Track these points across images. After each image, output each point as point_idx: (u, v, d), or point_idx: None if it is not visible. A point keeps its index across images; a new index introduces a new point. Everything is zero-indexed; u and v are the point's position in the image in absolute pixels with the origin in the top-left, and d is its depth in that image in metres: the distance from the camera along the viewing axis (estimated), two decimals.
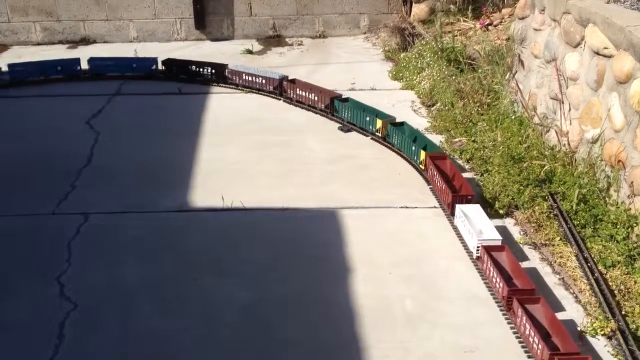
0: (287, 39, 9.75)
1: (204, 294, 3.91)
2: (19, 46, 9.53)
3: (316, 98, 6.65)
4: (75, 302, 3.82)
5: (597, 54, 4.66)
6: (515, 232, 4.51)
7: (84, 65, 7.92)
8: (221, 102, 7.17)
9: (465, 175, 5.14)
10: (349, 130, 6.28)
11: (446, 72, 7.00)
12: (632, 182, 4.15)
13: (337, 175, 5.39)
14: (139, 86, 7.66)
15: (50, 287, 3.95)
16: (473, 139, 5.69)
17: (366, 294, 3.87)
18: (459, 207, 4.41)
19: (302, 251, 4.34)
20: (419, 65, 7.61)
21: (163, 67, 7.87)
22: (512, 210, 4.74)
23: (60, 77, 7.84)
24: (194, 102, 7.17)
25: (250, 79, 7.30)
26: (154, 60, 7.90)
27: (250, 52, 9.09)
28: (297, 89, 6.88)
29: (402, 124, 5.88)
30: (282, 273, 4.10)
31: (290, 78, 7.19)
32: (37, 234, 4.56)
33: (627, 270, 3.87)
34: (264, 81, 7.17)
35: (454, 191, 4.66)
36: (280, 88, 7.09)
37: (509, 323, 3.59)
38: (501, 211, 4.71)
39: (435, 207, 4.86)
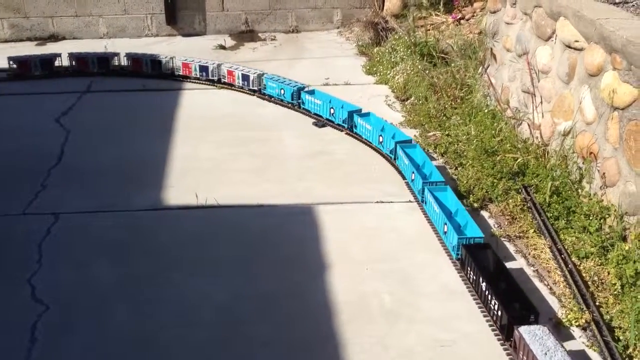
0: (260, 34, 9.69)
1: (179, 293, 3.86)
2: None
3: None
4: (47, 304, 3.74)
5: (568, 47, 4.70)
6: (490, 225, 4.53)
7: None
8: (194, 98, 7.09)
9: None
10: (323, 126, 6.26)
11: (419, 67, 7.01)
12: (604, 174, 4.19)
13: (312, 171, 5.36)
14: (110, 83, 7.54)
15: (21, 289, 3.87)
16: (447, 132, 5.71)
17: (343, 290, 3.86)
18: None
19: (279, 248, 4.31)
20: (392, 60, 7.61)
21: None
22: (487, 203, 4.76)
23: (29, 74, 7.69)
24: (167, 98, 7.08)
25: None
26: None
27: (223, 47, 9.01)
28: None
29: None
30: (258, 271, 4.07)
31: None
32: (6, 235, 4.46)
33: (600, 261, 3.91)
34: None
35: None
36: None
37: (485, 316, 3.60)
38: (475, 204, 4.73)
39: (410, 201, 4.87)
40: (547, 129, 5.01)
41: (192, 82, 7.49)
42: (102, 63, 7.66)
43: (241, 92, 7.17)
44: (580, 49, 4.55)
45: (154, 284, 3.94)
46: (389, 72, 7.41)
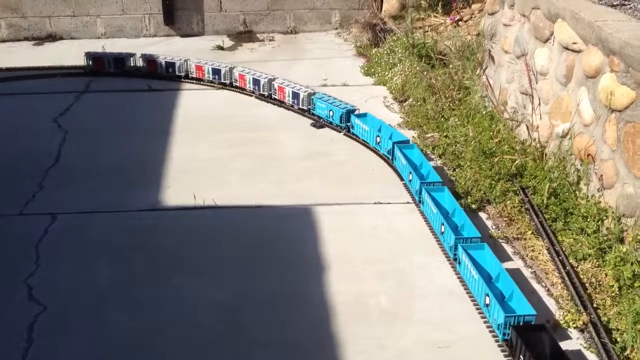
0: (258, 35, 9.68)
1: (177, 294, 3.85)
2: None
3: None
4: (44, 304, 3.74)
5: (566, 49, 4.71)
6: (488, 227, 4.54)
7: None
8: (192, 99, 7.09)
9: None
10: (321, 127, 6.26)
11: (417, 68, 7.02)
12: (601, 176, 4.20)
13: (311, 172, 5.36)
14: (108, 83, 7.53)
15: (18, 290, 3.86)
16: (445, 134, 5.72)
17: (341, 291, 3.86)
18: None
19: (277, 249, 4.31)
20: (390, 61, 7.62)
21: None
22: (484, 204, 4.77)
23: (27, 74, 7.68)
24: (165, 99, 7.08)
25: None
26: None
27: (221, 48, 9.01)
28: None
29: None
30: (256, 271, 4.07)
31: None
32: (3, 235, 4.45)
33: (597, 263, 3.92)
34: None
35: None
36: None
37: (482, 318, 3.61)
38: (473, 206, 4.73)
39: (408, 202, 4.87)
40: (545, 130, 5.02)
41: (191, 82, 7.49)
42: (169, 67, 7.57)
43: (240, 92, 7.17)
44: (578, 51, 4.55)
45: (152, 284, 3.94)
46: (387, 73, 7.41)
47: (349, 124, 6.01)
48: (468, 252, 3.81)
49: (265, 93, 6.98)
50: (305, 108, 6.52)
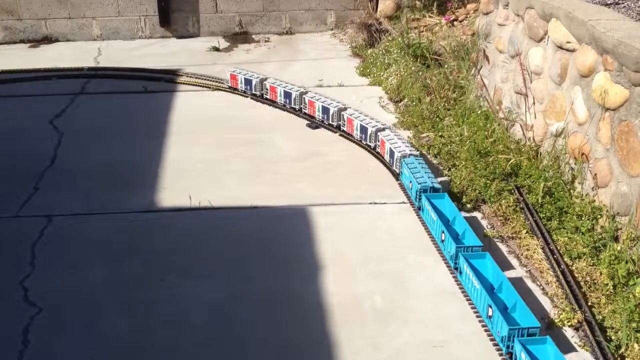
0: (253, 36, 9.69)
1: (172, 295, 3.86)
2: None
3: None
4: (40, 306, 3.74)
5: (560, 48, 4.72)
6: (483, 226, 4.55)
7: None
8: (188, 100, 7.08)
9: None
10: (317, 127, 6.26)
11: (413, 68, 7.03)
12: (595, 174, 4.21)
13: (306, 173, 5.37)
14: (104, 85, 7.52)
15: (13, 292, 3.86)
16: (440, 134, 5.72)
17: (336, 291, 3.87)
18: None
19: (272, 250, 4.32)
20: (386, 61, 7.62)
21: None
22: (480, 204, 4.78)
23: (23, 76, 7.67)
24: (161, 100, 7.07)
25: None
26: None
27: (216, 49, 9.01)
28: None
29: None
30: (251, 272, 4.08)
31: None
32: None
33: (592, 261, 3.93)
34: None
35: None
36: None
37: (477, 317, 3.62)
38: (469, 205, 4.75)
39: (403, 202, 4.88)
40: (539, 129, 5.03)
41: (187, 84, 7.48)
42: (287, 97, 6.76)
43: (235, 94, 7.17)
44: (572, 50, 4.57)
45: (147, 285, 3.94)
46: (382, 73, 7.42)
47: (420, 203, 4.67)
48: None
49: (372, 144, 5.65)
50: (398, 172, 5.16)
